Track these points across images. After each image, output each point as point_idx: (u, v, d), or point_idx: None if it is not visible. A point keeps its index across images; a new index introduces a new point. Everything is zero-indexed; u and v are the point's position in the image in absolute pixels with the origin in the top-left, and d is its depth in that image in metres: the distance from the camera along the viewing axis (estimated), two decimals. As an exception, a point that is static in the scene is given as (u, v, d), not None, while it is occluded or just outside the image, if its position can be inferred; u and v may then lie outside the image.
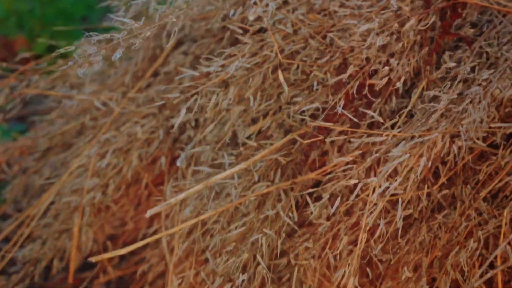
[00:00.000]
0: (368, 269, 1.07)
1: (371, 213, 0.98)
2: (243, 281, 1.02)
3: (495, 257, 1.03)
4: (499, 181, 1.06)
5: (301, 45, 1.13)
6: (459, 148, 1.00)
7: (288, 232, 1.10)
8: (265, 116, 1.13)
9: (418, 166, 0.99)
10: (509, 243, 1.04)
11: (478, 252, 1.05)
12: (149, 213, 1.00)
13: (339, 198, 1.02)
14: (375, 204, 0.99)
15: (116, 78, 1.31)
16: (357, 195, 0.98)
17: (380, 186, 0.98)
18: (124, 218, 1.32)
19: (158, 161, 1.26)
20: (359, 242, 0.99)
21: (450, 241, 1.06)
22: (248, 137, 1.12)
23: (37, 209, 1.29)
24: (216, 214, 1.05)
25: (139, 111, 1.27)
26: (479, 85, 1.04)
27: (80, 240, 1.25)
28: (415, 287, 1.04)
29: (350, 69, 1.07)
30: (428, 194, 1.07)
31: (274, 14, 1.13)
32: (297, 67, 1.12)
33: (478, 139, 1.03)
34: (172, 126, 1.20)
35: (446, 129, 1.00)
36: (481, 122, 1.01)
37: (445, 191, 1.06)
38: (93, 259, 0.98)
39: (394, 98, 1.10)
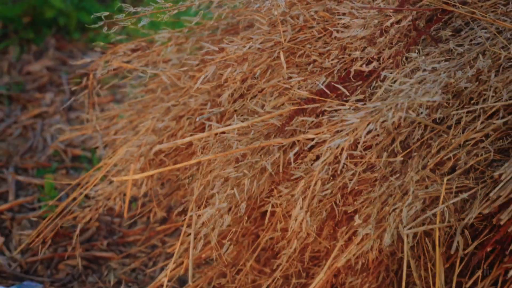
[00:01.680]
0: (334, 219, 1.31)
1: (323, 162, 1.22)
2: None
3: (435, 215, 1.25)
4: (446, 155, 1.27)
5: (308, 35, 1.40)
6: (403, 119, 1.22)
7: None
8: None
9: (368, 131, 1.22)
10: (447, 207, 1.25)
11: (418, 209, 1.25)
12: (158, 147, 1.30)
13: (310, 154, 1.27)
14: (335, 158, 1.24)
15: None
16: (312, 147, 1.23)
17: (332, 141, 1.22)
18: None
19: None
20: (312, 184, 1.23)
21: (401, 200, 1.28)
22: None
23: (111, 159, 1.63)
24: (215, 157, 1.33)
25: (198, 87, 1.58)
26: (433, 72, 1.27)
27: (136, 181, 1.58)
28: (363, 231, 1.26)
29: (333, 55, 1.32)
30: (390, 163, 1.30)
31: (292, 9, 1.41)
32: (304, 53, 1.39)
33: (429, 116, 1.25)
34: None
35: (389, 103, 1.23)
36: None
37: (400, 158, 1.28)
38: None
39: (374, 81, 1.34)
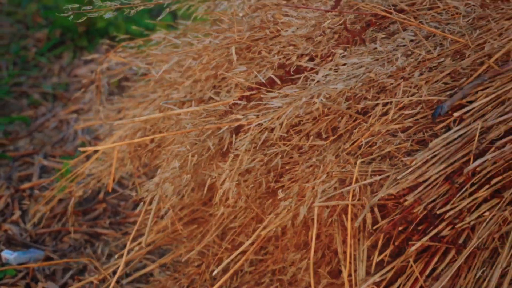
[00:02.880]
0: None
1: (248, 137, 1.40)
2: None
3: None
4: (363, 141, 1.43)
5: (262, 35, 1.58)
6: (320, 106, 1.39)
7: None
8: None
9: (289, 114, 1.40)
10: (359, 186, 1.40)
11: (335, 186, 1.41)
12: (117, 122, 1.51)
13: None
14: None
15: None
16: (241, 127, 1.41)
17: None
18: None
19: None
20: (238, 161, 1.41)
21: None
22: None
23: (105, 143, 1.86)
24: (167, 135, 1.53)
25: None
26: (357, 67, 1.43)
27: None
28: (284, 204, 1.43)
29: (275, 51, 1.51)
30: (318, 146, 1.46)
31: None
32: (256, 50, 1.58)
33: (349, 107, 1.42)
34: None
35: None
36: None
37: (321, 142, 1.45)
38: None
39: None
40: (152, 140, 1.63)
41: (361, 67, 1.45)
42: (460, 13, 1.56)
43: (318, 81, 1.43)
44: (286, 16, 1.59)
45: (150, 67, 1.80)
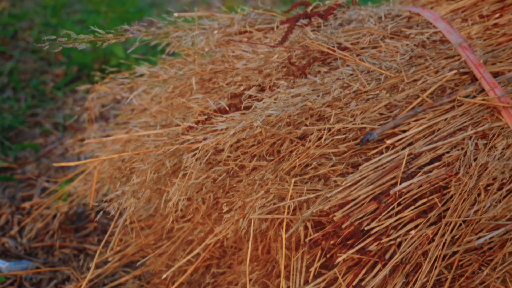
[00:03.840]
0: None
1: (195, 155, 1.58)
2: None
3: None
4: (299, 162, 1.59)
5: (222, 67, 1.77)
6: (257, 130, 1.56)
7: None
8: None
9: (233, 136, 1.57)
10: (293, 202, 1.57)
11: (271, 201, 1.58)
12: (86, 141, 1.70)
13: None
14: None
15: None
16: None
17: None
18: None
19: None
20: (190, 168, 1.59)
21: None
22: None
23: (91, 164, 2.05)
24: (130, 154, 1.71)
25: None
26: (296, 96, 1.60)
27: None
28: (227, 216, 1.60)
29: (231, 81, 1.69)
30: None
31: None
32: (216, 80, 1.77)
33: (290, 132, 1.59)
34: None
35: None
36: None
37: (264, 163, 1.62)
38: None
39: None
40: (123, 160, 1.82)
41: (298, 96, 1.62)
42: (399, 52, 1.73)
43: (260, 108, 1.61)
44: (244, 51, 1.77)
45: (130, 96, 2.00)
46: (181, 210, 1.59)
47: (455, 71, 1.73)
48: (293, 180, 1.57)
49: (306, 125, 1.61)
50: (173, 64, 2.02)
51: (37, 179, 2.53)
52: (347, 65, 1.69)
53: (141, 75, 2.07)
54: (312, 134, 1.62)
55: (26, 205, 2.38)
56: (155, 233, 1.94)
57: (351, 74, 1.67)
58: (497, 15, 1.84)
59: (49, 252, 2.22)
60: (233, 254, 1.85)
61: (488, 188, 1.62)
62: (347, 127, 1.62)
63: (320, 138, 1.61)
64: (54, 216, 2.27)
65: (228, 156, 1.61)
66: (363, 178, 1.59)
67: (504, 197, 1.63)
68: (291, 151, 1.63)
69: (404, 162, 1.60)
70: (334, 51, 1.70)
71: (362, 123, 1.63)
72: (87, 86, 2.17)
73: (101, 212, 1.68)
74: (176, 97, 1.78)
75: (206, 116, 1.67)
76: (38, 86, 3.16)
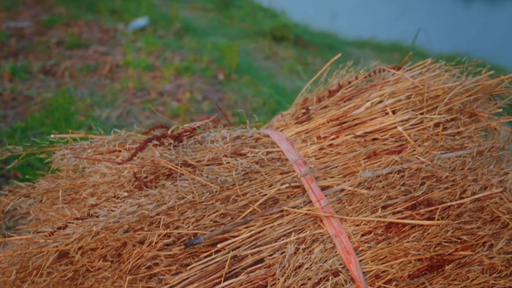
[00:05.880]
0: None
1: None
2: None
3: None
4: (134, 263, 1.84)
5: (84, 180, 2.05)
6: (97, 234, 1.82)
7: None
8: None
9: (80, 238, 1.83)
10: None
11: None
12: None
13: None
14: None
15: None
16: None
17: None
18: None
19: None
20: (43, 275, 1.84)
21: None
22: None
23: None
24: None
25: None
26: (136, 206, 1.87)
27: None
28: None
29: (89, 193, 1.97)
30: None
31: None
32: (80, 191, 2.04)
33: (131, 238, 1.85)
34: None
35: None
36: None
37: (106, 263, 1.87)
38: None
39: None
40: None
41: (136, 205, 1.89)
42: (237, 168, 2.00)
43: (102, 216, 1.87)
44: (104, 167, 2.05)
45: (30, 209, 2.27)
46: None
47: (287, 184, 1.99)
48: (127, 278, 1.82)
49: (146, 231, 1.87)
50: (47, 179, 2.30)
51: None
52: (185, 180, 1.96)
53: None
54: (148, 238, 1.87)
55: None
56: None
57: (186, 187, 1.94)
58: (333, 136, 2.11)
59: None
60: None
61: (302, 286, 1.85)
62: (181, 233, 1.87)
63: (157, 242, 1.86)
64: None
65: (74, 257, 1.86)
66: (191, 276, 1.83)
67: (317, 295, 1.85)
68: (130, 254, 1.88)
69: (227, 264, 1.84)
70: (177, 167, 1.97)
71: (196, 229, 1.88)
72: (-3, 199, 2.45)
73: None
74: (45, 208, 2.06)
75: (64, 223, 1.94)
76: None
